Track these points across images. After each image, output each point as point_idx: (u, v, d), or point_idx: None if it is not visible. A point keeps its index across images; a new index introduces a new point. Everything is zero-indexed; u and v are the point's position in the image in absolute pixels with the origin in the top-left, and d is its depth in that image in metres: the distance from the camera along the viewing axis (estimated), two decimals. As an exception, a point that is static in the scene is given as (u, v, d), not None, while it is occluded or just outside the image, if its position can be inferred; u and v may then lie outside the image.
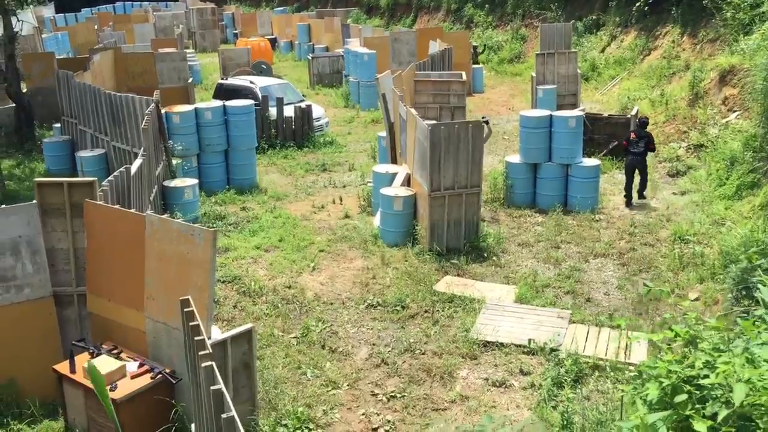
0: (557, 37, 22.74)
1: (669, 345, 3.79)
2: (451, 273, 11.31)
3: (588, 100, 22.98)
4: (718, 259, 10.16)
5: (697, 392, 3.15)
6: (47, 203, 7.70)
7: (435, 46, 22.55)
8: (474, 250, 11.94)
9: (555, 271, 11.36)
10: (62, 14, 48.51)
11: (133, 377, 7.22)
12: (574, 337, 9.03)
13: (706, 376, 3.13)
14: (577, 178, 13.80)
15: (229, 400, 4.05)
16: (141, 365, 7.35)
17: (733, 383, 2.97)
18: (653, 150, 14.18)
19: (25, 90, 20.91)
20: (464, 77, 17.85)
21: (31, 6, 47.77)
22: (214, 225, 13.12)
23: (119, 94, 14.33)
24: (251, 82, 20.11)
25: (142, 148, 11.07)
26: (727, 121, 15.87)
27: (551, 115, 13.94)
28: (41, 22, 45.54)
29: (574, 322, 9.63)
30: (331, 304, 10.49)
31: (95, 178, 7.85)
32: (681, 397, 3.14)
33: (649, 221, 13.10)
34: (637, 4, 24.01)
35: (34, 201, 7.66)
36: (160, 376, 7.21)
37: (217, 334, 7.63)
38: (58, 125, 17.87)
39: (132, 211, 7.47)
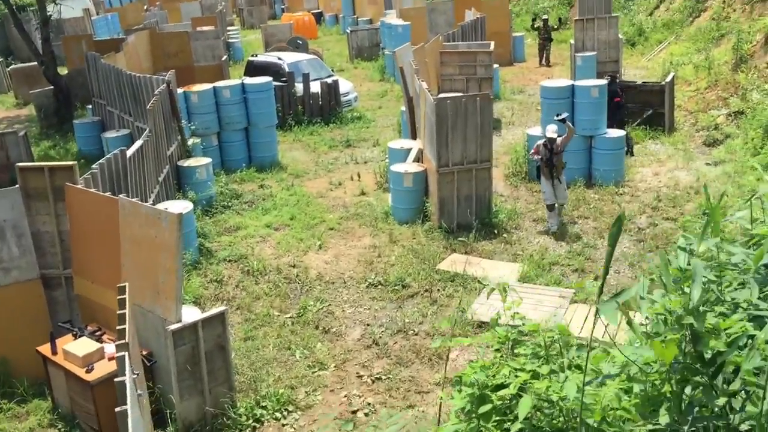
0: (597, 1, 21.76)
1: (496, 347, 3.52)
2: (458, 251, 11.05)
3: (633, 66, 22.05)
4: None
5: (500, 403, 2.90)
6: (30, 187, 7.82)
7: (470, 16, 21.95)
8: (485, 226, 11.62)
9: (567, 248, 10.95)
10: (118, -5, 49.41)
11: (110, 359, 7.31)
12: (572, 318, 8.68)
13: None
14: (601, 150, 13.24)
15: (128, 393, 3.99)
16: (119, 347, 7.43)
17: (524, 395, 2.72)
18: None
19: (66, 72, 21.44)
20: (492, 47, 17.33)
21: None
22: (230, 203, 13.19)
23: (138, 74, 14.46)
24: (279, 59, 20.03)
25: (147, 129, 11.14)
26: (771, 86, 14.91)
27: (573, 85, 13.38)
28: (97, 4, 46.64)
29: (576, 302, 9.26)
30: (333, 283, 10.40)
31: (74, 162, 7.92)
32: (484, 408, 2.90)
33: (676, 194, 12.47)
34: (687, -37, 22.80)
35: (17, 185, 7.78)
36: (136, 357, 7.27)
37: (196, 315, 7.66)
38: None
39: (107, 194, 7.51)
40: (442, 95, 16.40)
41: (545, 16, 24.92)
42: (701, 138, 15.08)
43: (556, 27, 24.74)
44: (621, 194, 12.74)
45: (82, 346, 7.34)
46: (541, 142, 11.52)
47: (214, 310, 7.27)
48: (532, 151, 11.81)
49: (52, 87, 19.57)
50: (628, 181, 13.25)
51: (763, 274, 2.82)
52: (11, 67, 24.61)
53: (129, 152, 9.61)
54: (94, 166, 8.67)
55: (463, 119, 11.29)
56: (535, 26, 24.57)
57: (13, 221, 7.75)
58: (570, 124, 11.45)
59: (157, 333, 7.19)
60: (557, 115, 11.46)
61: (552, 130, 11.40)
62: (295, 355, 8.61)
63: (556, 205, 11.55)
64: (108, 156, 9.10)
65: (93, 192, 7.53)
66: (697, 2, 22.37)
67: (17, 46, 30.13)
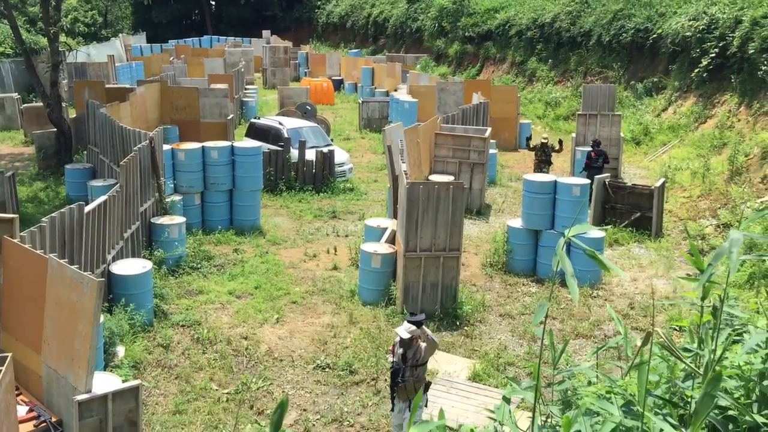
0: (601, 98, 21.93)
1: None
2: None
3: (635, 165, 21.98)
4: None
5: None
6: (-30, 237, 7.71)
7: (476, 99, 22.14)
8: (449, 317, 11.34)
9: (526, 348, 10.62)
10: (149, 44, 51.01)
11: (20, 422, 7.05)
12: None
13: None
14: (578, 250, 12.99)
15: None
16: (30, 410, 7.18)
17: None
18: (608, 162, 17.63)
19: (74, 115, 21.82)
20: (488, 133, 17.37)
21: (121, 34, 50.58)
22: (199, 265, 13.04)
23: (128, 127, 14.60)
24: (280, 123, 20.24)
25: (117, 185, 11.12)
26: (761, 202, 14.71)
27: (555, 181, 13.27)
28: (129, 51, 48.02)
29: (522, 408, 8.87)
30: (281, 360, 10.11)
31: (16, 215, 7.84)
32: None
33: (650, 303, 12.14)
34: (697, 70, 22.95)
35: (-43, 233, 7.69)
36: (44, 424, 7.01)
37: (116, 384, 7.40)
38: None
39: (38, 252, 7.39)
40: (432, 176, 16.46)
41: (545, 137, 19.12)
42: (687, 246, 14.80)
43: (556, 149, 18.73)
44: (594, 297, 12.44)
45: (-10, 405, 7.09)
46: (397, 340, 7.71)
47: (128, 383, 7.03)
48: (389, 348, 8.46)
49: (54, 129, 19.86)
50: (604, 284, 12.98)
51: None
52: (24, 105, 25.10)
53: (88, 208, 9.55)
54: (44, 219, 8.60)
55: (435, 206, 11.17)
56: (531, 146, 19.16)
57: (-53, 268, 7.63)
58: (429, 334, 7.67)
59: (67, 401, 6.94)
60: (410, 314, 8.49)
61: (407, 329, 7.52)
62: (221, 435, 8.29)
63: None
64: (63, 210, 9.03)
65: (26, 248, 7.42)
66: (705, 108, 22.41)
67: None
